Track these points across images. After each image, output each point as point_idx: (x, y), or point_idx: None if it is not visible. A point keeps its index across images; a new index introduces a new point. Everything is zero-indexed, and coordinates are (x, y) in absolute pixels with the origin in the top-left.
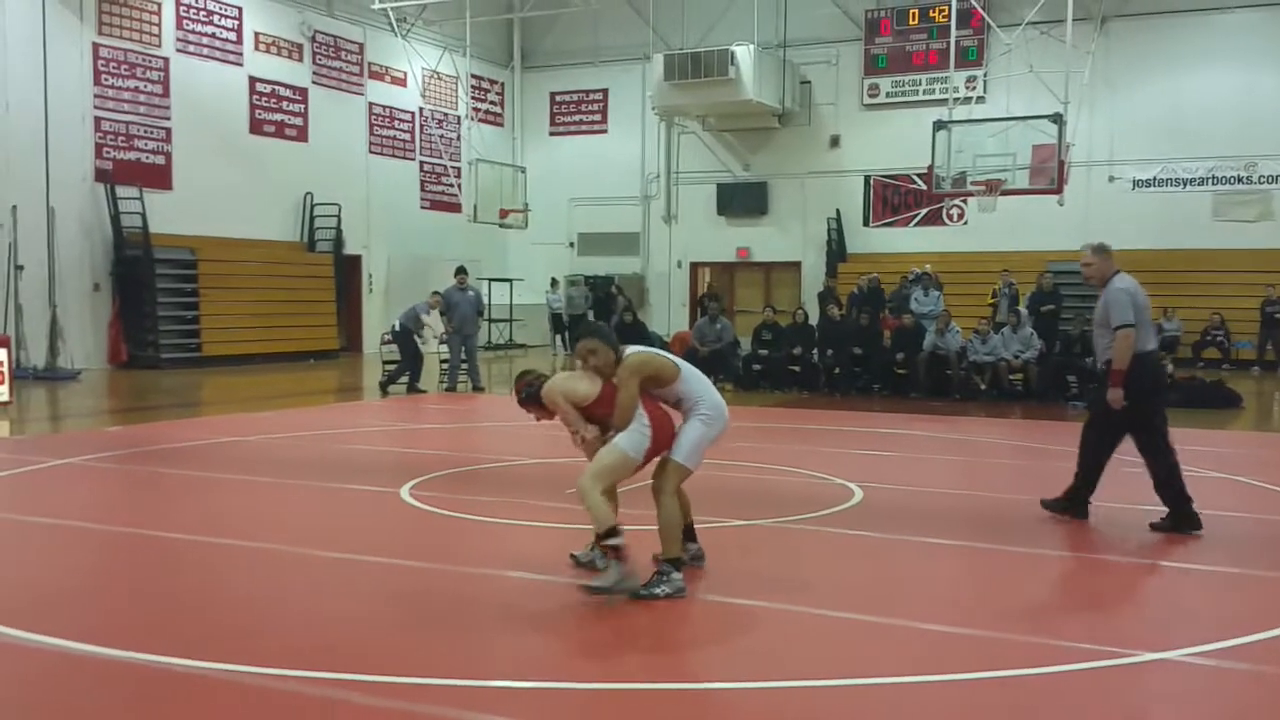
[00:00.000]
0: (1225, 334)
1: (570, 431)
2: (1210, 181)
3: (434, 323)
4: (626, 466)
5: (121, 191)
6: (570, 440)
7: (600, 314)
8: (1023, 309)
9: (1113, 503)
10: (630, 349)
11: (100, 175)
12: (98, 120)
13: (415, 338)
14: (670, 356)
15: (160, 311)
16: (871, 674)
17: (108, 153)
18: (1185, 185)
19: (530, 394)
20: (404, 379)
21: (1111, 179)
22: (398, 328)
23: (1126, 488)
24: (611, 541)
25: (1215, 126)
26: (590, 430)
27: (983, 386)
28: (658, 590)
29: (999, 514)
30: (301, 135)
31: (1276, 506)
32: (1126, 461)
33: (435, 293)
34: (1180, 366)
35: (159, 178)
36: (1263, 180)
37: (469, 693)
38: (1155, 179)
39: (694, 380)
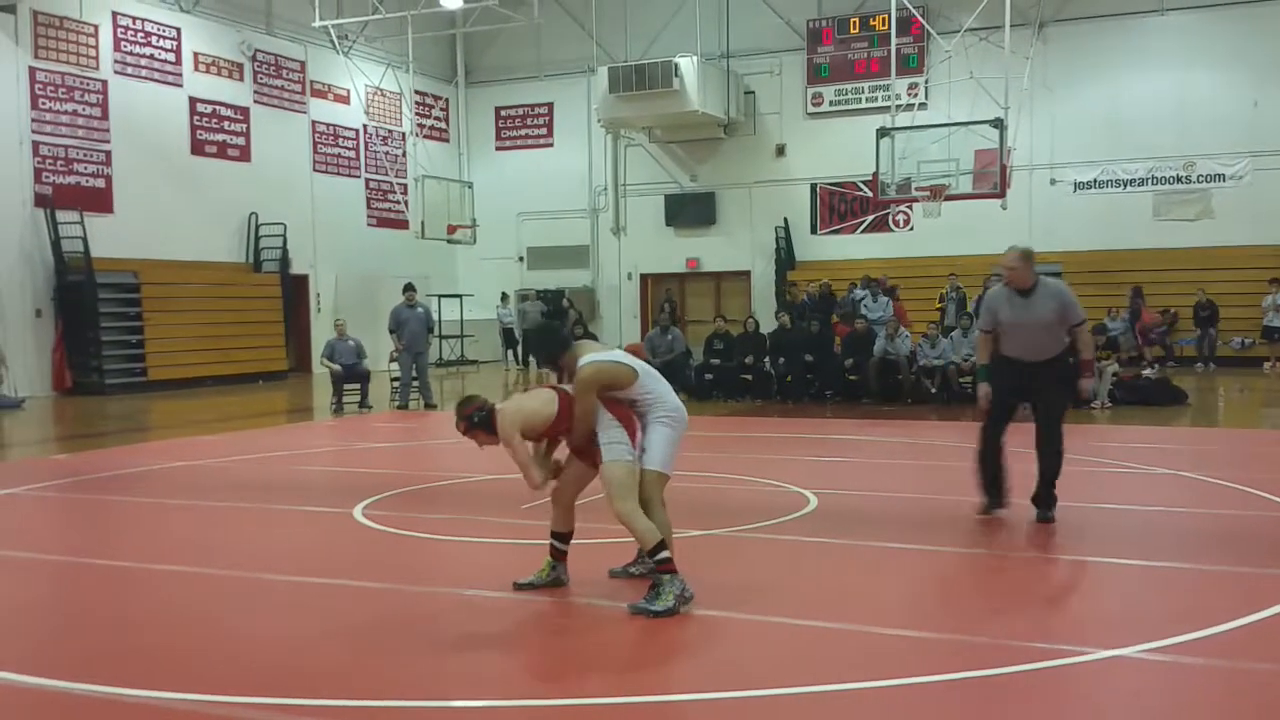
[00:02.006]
0: (1170, 332)
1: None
2: (1150, 182)
3: (345, 351)
4: (634, 471)
5: (62, 216)
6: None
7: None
8: (971, 312)
9: (1072, 503)
10: (585, 359)
11: (40, 200)
12: (36, 144)
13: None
14: (626, 360)
15: (104, 336)
16: (831, 680)
17: (47, 177)
18: (1125, 186)
19: (482, 419)
20: (354, 398)
21: (1053, 181)
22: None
23: (1077, 487)
24: (662, 555)
25: (1153, 128)
26: (539, 475)
27: (933, 390)
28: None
29: (952, 516)
30: (244, 155)
31: (1223, 501)
32: (1078, 460)
33: (338, 321)
34: (1125, 365)
35: (100, 201)
36: (1201, 179)
37: (427, 714)
38: (1096, 180)
39: (651, 381)
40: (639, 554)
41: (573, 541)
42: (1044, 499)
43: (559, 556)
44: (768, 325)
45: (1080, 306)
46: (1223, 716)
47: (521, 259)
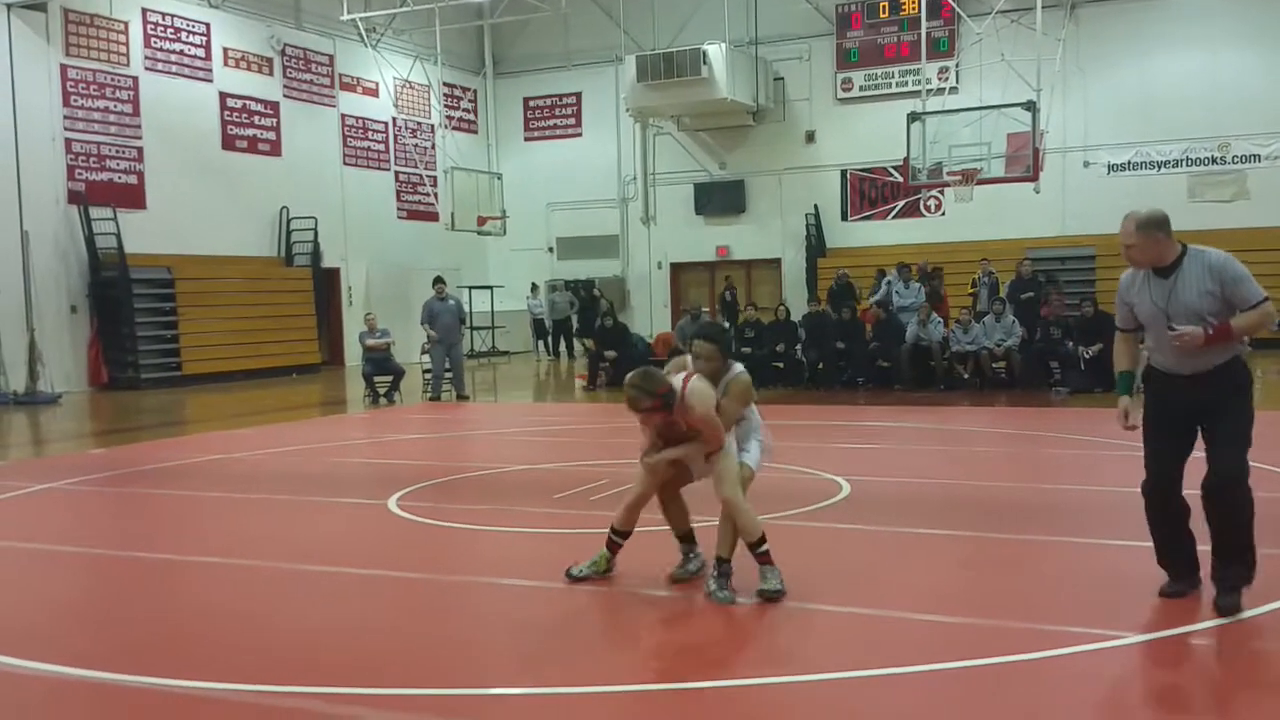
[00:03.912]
0: None
1: (704, 442)
2: (1184, 163)
3: (378, 342)
4: (745, 474)
5: (95, 213)
6: (649, 448)
7: (586, 318)
8: (1004, 297)
9: (1108, 487)
10: (738, 366)
11: (73, 197)
12: (69, 142)
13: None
14: None
15: (139, 332)
16: (865, 666)
17: (80, 174)
18: (1160, 168)
19: (668, 400)
20: (385, 388)
21: (1086, 164)
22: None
23: (1110, 471)
24: (764, 549)
25: (1187, 108)
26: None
27: (966, 376)
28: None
29: (986, 502)
30: (275, 149)
31: (1258, 484)
32: (1112, 444)
33: (368, 314)
34: None
35: (132, 198)
36: (1236, 160)
37: (464, 701)
38: (1130, 163)
39: (755, 409)
40: (689, 554)
41: (601, 531)
42: (1221, 574)
43: (615, 550)
44: (798, 313)
45: (1254, 281)
46: (1258, 700)
47: (551, 249)
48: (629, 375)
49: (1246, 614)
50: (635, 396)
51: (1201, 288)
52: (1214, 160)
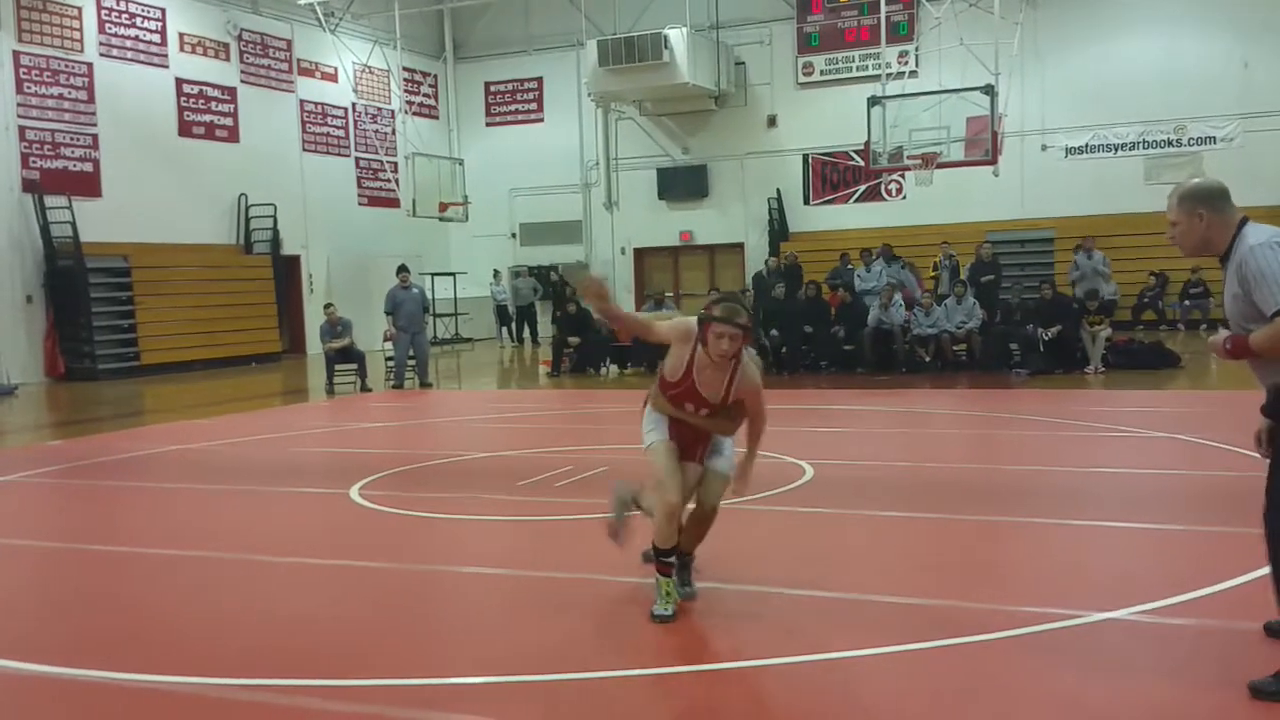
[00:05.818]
0: (1161, 295)
1: None
2: (1141, 146)
3: (340, 344)
4: None
5: (50, 201)
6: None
7: (559, 302)
8: (965, 280)
9: (1068, 467)
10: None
11: (28, 185)
12: (22, 129)
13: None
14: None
15: (96, 321)
16: (826, 649)
17: (34, 162)
18: (1116, 150)
19: (749, 334)
20: (347, 379)
21: (1044, 147)
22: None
23: (1072, 451)
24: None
25: (1143, 91)
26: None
27: (927, 359)
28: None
29: (947, 484)
30: (232, 136)
31: (1216, 463)
32: (1072, 425)
33: (328, 305)
34: (1119, 329)
35: (88, 185)
36: (1192, 142)
37: (428, 691)
38: (1087, 145)
39: None
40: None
41: (565, 517)
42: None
43: (669, 571)
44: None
45: None
46: (1214, 677)
47: (514, 235)
48: (723, 295)
49: (1214, 588)
50: (737, 309)
51: (1230, 286)
52: (1170, 142)
